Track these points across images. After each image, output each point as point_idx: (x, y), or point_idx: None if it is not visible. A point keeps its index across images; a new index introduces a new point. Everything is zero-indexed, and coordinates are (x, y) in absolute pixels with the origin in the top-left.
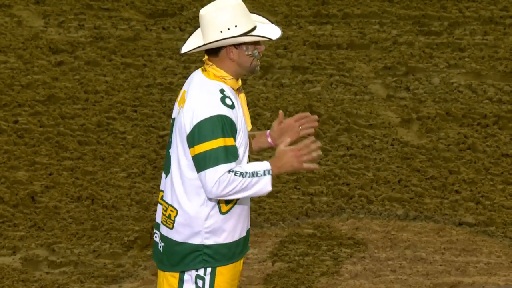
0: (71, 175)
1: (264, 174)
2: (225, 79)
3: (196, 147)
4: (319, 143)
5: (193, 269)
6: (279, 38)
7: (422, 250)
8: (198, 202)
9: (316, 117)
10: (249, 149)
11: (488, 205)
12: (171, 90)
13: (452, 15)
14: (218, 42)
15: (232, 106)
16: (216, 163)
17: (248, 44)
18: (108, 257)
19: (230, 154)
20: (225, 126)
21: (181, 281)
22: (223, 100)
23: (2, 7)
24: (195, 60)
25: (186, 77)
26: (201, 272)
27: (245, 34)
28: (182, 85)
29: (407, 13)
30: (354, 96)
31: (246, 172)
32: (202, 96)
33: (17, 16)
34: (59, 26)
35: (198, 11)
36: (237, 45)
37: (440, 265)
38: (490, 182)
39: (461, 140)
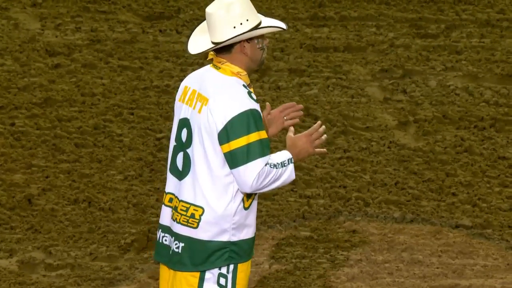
0: (68, 177)
1: (289, 163)
2: (240, 74)
3: (231, 142)
4: (324, 127)
5: (217, 267)
6: (277, 41)
7: (419, 252)
8: (227, 199)
9: (301, 106)
10: None
11: (485, 208)
12: (168, 93)
13: (449, 17)
14: (235, 38)
15: (257, 100)
16: (255, 157)
17: (258, 38)
18: (105, 259)
19: (265, 147)
20: (257, 120)
21: (201, 280)
22: (249, 94)
23: None
24: (192, 63)
25: (182, 80)
26: (224, 270)
27: (257, 27)
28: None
29: (403, 15)
30: (351, 99)
31: (278, 163)
32: (230, 93)
33: (13, 19)
34: (56, 29)
35: (195, 13)
36: (249, 40)
37: (437, 268)
38: (487, 184)
39: (458, 142)
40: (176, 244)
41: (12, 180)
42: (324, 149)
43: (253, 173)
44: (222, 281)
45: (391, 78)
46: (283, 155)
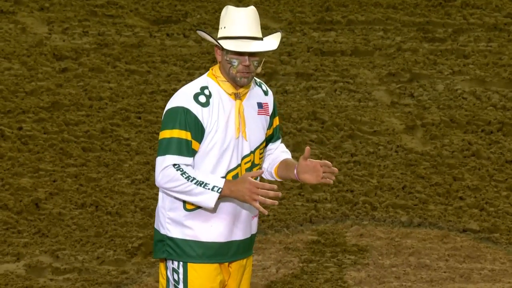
0: (75, 181)
1: (213, 190)
2: (218, 79)
3: (160, 132)
4: (279, 194)
5: (163, 259)
6: (284, 44)
7: (426, 257)
8: (164, 192)
9: (336, 170)
10: (280, 173)
11: (492, 212)
12: None
13: (456, 21)
14: (205, 35)
15: (204, 104)
16: (165, 152)
17: (226, 50)
18: (112, 263)
19: (183, 147)
20: (186, 119)
21: (166, 268)
22: (196, 95)
23: (6, 14)
24: (199, 67)
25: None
26: (175, 265)
27: (217, 37)
28: None
29: (411, 19)
30: (358, 103)
31: (194, 178)
32: (180, 89)
33: (21, 23)
34: (63, 33)
35: (202, 17)
36: (221, 48)
37: (444, 272)
38: (494, 188)
39: (465, 146)
40: None
41: (19, 184)
42: (264, 210)
43: (159, 167)
44: (175, 276)
45: (398, 82)
46: (212, 179)
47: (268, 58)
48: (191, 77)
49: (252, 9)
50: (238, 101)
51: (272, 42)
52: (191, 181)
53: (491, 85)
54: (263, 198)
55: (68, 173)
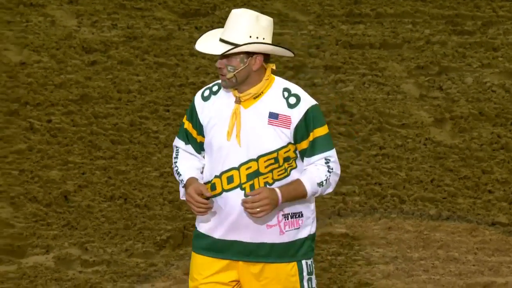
0: (104, 174)
1: (181, 182)
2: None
3: None
4: (200, 211)
5: None
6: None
7: (455, 250)
8: None
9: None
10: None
11: None
12: None
13: (486, 14)
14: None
15: (205, 98)
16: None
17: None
18: (141, 256)
19: (183, 134)
20: (191, 110)
21: None
22: (205, 90)
23: (35, 7)
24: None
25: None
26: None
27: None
28: None
29: (440, 12)
30: (387, 96)
31: (177, 166)
32: None
33: (50, 16)
34: (92, 26)
35: (230, 10)
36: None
37: (473, 265)
38: None
39: (494, 139)
40: None
41: (48, 176)
42: (196, 211)
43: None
44: None
45: (427, 75)
46: (185, 173)
47: (297, 51)
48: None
49: (234, 12)
50: (236, 105)
51: (223, 47)
52: (175, 167)
53: None
54: (191, 206)
55: (97, 165)
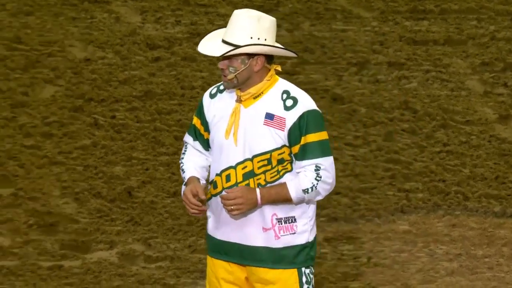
0: (167, 170)
1: (184, 180)
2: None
3: None
4: (196, 213)
5: None
6: (376, 34)
7: None
8: None
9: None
10: None
11: None
12: None
13: None
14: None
15: (212, 96)
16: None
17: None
18: (204, 252)
19: (192, 130)
20: (199, 105)
21: None
22: (212, 88)
23: (100, 3)
24: (290, 56)
25: (281, 74)
26: None
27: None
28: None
29: (505, 8)
30: (451, 92)
31: (182, 162)
32: None
33: (115, 12)
34: (156, 22)
35: (294, 7)
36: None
37: None
38: None
39: None
40: None
41: (112, 172)
42: (187, 207)
43: None
44: None
45: (492, 72)
46: (188, 171)
47: (360, 48)
48: (282, 66)
49: (235, 13)
50: (237, 104)
51: (224, 48)
52: (181, 163)
53: None
54: (186, 206)
55: (160, 161)
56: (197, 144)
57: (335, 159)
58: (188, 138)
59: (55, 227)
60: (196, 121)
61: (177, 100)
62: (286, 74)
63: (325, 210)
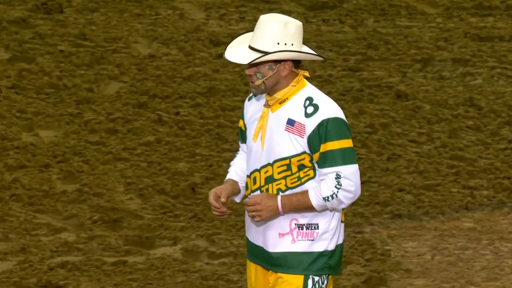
0: None
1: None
2: None
3: None
4: (219, 215)
5: None
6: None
7: None
8: None
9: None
10: None
11: None
12: (330, 83)
13: None
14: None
15: (249, 98)
16: None
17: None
18: None
19: (239, 134)
20: (242, 108)
21: None
22: (247, 101)
23: (165, 0)
24: (355, 53)
25: (345, 70)
26: None
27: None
28: (341, 77)
29: None
30: None
31: (230, 165)
32: None
33: (179, 9)
34: (220, 19)
35: (359, 3)
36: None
37: None
38: None
39: None
40: None
41: (176, 168)
42: (215, 213)
43: None
44: None
45: None
46: (227, 175)
47: (425, 44)
48: (346, 63)
49: (261, 19)
50: (265, 108)
51: (252, 55)
52: (229, 165)
53: None
54: (212, 208)
55: (224, 158)
56: (244, 146)
57: (399, 156)
58: (239, 141)
59: (119, 223)
60: (241, 123)
61: (240, 97)
62: (350, 71)
63: (389, 207)
